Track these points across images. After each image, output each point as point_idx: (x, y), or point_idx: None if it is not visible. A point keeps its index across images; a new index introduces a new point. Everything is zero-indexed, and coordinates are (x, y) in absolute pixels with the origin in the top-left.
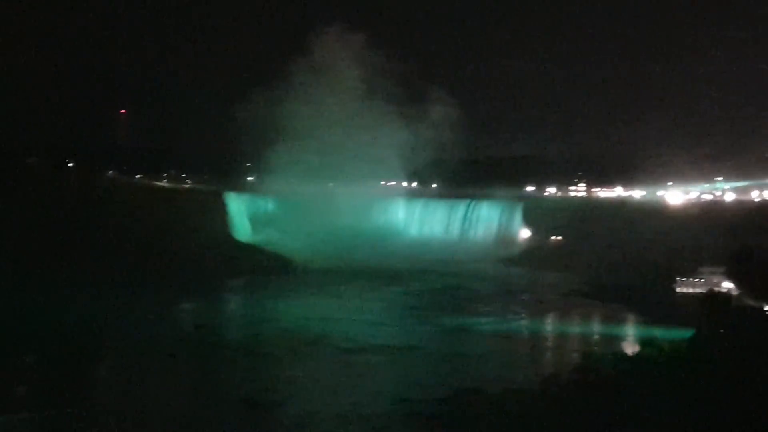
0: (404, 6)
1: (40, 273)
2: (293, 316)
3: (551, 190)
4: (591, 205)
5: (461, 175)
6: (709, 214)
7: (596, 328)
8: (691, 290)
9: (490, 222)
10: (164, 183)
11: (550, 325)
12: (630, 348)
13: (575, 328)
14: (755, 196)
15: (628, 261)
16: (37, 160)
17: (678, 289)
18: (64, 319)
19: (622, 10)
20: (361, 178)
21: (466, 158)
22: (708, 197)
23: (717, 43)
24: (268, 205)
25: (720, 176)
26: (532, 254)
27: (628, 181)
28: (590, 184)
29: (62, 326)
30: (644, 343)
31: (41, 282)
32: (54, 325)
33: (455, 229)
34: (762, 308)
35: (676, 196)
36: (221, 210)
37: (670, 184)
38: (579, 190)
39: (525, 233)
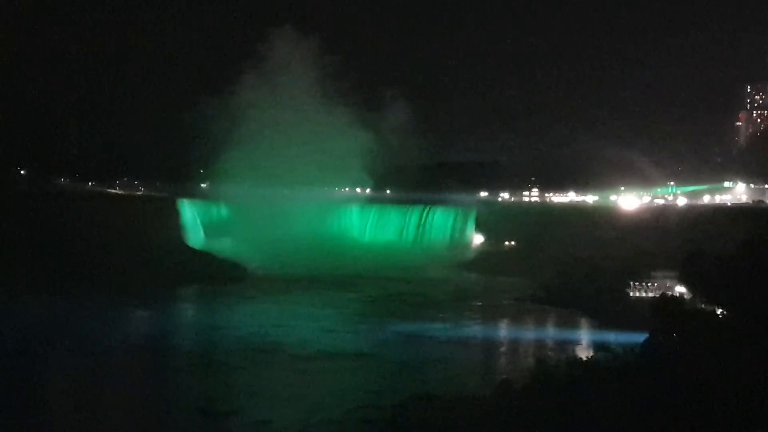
0: (359, 10)
1: None
2: (247, 323)
3: (504, 196)
4: (544, 210)
5: (415, 181)
6: (661, 218)
7: (550, 333)
8: (644, 295)
9: (444, 227)
10: (117, 190)
11: (504, 330)
12: (584, 353)
13: (529, 334)
14: (706, 200)
15: (582, 266)
16: None
17: (631, 294)
18: (11, 327)
19: (579, 15)
20: (315, 184)
21: (420, 164)
22: (660, 202)
23: (670, 49)
24: (222, 211)
25: (672, 181)
26: (485, 259)
27: (580, 187)
28: (543, 190)
29: (10, 334)
30: (598, 347)
31: None
32: (2, 331)
33: (409, 234)
34: (714, 312)
35: (628, 200)
36: (174, 217)
37: (622, 188)
38: (532, 196)
39: (479, 239)
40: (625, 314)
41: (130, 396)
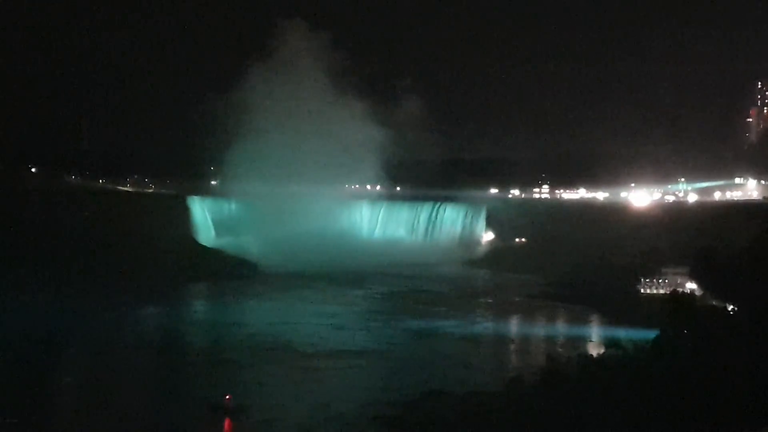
0: (370, 4)
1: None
2: (257, 320)
3: (515, 192)
4: (554, 207)
5: (426, 178)
6: (671, 215)
7: (561, 329)
8: (655, 291)
9: (454, 224)
10: (127, 188)
11: (514, 327)
12: (594, 349)
13: (540, 330)
14: (717, 196)
15: (592, 262)
16: None
17: (642, 290)
18: (23, 323)
19: (588, 11)
20: (325, 180)
21: (431, 161)
22: (671, 198)
23: (681, 45)
24: (232, 208)
25: (682, 177)
26: (496, 256)
27: (591, 183)
28: (553, 186)
29: (23, 330)
30: (609, 344)
31: (1, 286)
32: (14, 329)
33: (420, 231)
34: (725, 308)
35: (639, 197)
36: (184, 214)
37: (632, 185)
38: (542, 192)
39: (489, 235)
40: (636, 310)
41: (140, 391)
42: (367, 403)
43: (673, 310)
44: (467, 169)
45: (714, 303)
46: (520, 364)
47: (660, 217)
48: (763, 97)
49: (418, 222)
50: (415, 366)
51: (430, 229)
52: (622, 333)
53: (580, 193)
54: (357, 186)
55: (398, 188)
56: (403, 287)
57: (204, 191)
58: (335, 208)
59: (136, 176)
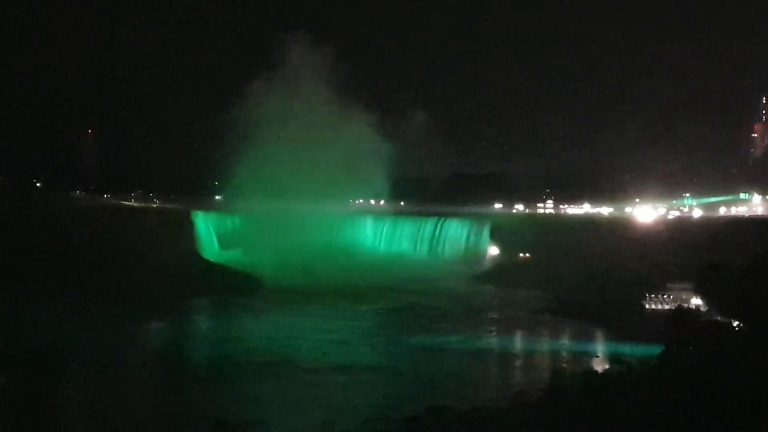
0: (373, 19)
1: (4, 292)
2: (261, 335)
3: (519, 207)
4: (559, 222)
5: (430, 192)
6: (676, 230)
7: (565, 345)
8: (659, 307)
9: (458, 239)
10: (132, 202)
11: (518, 342)
12: (599, 365)
13: (544, 346)
14: (722, 212)
15: (597, 278)
16: (3, 179)
17: (647, 306)
18: (28, 339)
19: (591, 27)
20: (330, 195)
21: (435, 175)
22: (675, 214)
23: (685, 60)
24: (236, 223)
25: (687, 193)
26: (500, 271)
27: (595, 198)
28: (558, 201)
29: (26, 346)
30: (613, 360)
31: (5, 301)
32: (18, 345)
33: (424, 246)
34: (730, 323)
35: (643, 212)
36: (189, 229)
37: (637, 200)
38: (547, 207)
39: (493, 250)
40: (641, 326)
41: (143, 407)
42: (371, 419)
43: (678, 326)
44: (471, 183)
45: (719, 319)
46: (525, 379)
47: (665, 233)
48: None
49: (423, 237)
50: (419, 381)
51: (434, 244)
52: (627, 348)
53: (585, 208)
54: (361, 201)
55: (402, 203)
56: (407, 302)
57: (208, 206)
58: (339, 223)
59: (140, 191)
